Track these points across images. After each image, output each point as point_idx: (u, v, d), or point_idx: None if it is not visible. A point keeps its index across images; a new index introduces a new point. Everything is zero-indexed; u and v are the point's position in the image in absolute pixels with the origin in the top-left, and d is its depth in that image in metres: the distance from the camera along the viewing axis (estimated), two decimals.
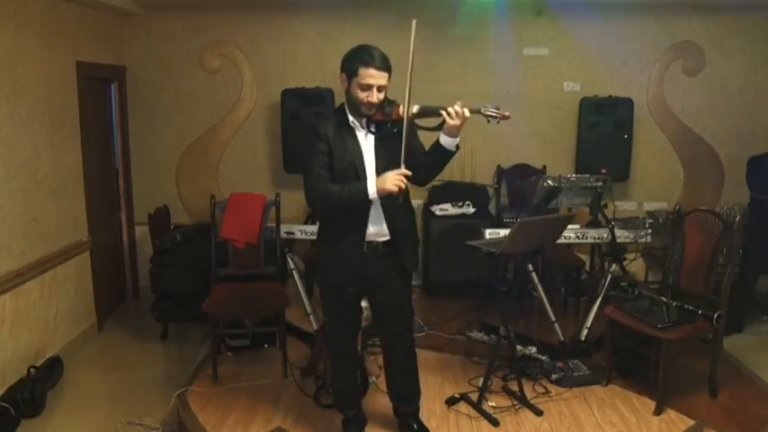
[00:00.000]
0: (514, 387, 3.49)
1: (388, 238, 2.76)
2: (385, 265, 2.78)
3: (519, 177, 5.10)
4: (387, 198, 2.62)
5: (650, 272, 5.43)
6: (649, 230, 4.32)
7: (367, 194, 2.58)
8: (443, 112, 2.54)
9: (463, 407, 3.41)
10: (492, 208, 5.35)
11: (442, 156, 2.65)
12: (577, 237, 4.24)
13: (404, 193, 2.66)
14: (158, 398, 3.71)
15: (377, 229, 2.74)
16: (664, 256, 4.29)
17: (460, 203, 5.12)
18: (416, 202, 5.32)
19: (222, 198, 4.38)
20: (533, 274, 4.03)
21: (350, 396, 3.09)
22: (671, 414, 3.32)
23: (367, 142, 2.71)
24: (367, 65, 2.56)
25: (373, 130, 2.68)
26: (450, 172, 5.15)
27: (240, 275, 4.13)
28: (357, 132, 2.70)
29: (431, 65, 5.25)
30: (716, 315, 3.33)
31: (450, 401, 3.44)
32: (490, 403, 3.40)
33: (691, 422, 3.24)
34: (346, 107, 2.71)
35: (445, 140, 2.60)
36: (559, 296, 4.98)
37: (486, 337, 4.20)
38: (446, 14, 5.18)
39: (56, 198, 4.23)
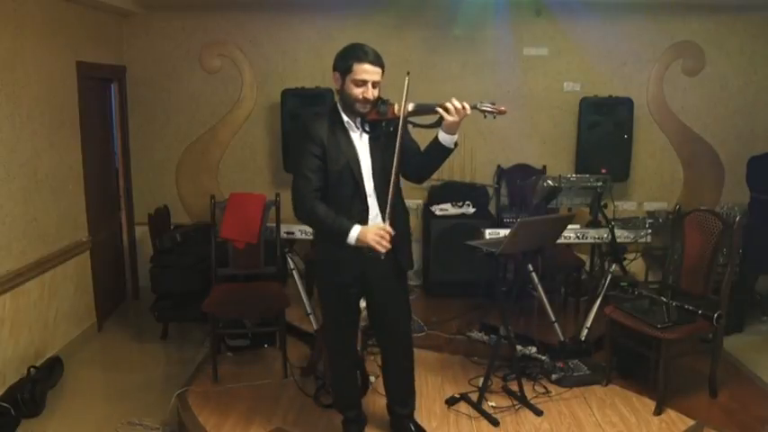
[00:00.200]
0: (514, 387, 3.49)
1: None
2: (383, 264, 2.78)
3: (519, 177, 5.10)
4: (383, 199, 2.62)
5: (650, 272, 5.43)
6: (649, 230, 4.32)
7: (347, 238, 2.55)
8: (440, 109, 2.53)
9: (463, 407, 3.41)
10: (492, 208, 5.35)
11: (440, 153, 2.64)
12: (577, 237, 4.24)
13: (398, 191, 2.66)
14: (158, 398, 3.71)
15: None
16: (664, 256, 4.29)
17: (460, 203, 5.11)
18: (416, 202, 5.34)
19: (222, 198, 4.38)
20: (533, 274, 4.03)
21: (349, 396, 3.09)
22: (671, 414, 3.32)
23: (362, 142, 2.70)
24: (361, 60, 2.56)
25: (368, 129, 2.68)
26: (450, 172, 5.15)
27: (240, 275, 4.13)
28: (351, 132, 2.69)
29: (431, 65, 5.24)
30: (716, 315, 3.33)
31: (451, 401, 3.44)
32: (490, 403, 3.40)
33: (691, 422, 3.24)
34: (340, 107, 2.69)
35: (444, 138, 2.60)
36: (559, 296, 4.98)
37: (486, 337, 4.20)
38: (446, 14, 5.19)
39: (56, 198, 4.23)
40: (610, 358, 3.66)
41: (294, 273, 4.32)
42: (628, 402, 3.47)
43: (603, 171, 4.61)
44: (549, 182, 4.09)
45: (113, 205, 5.37)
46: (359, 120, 2.67)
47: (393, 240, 2.57)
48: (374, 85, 2.59)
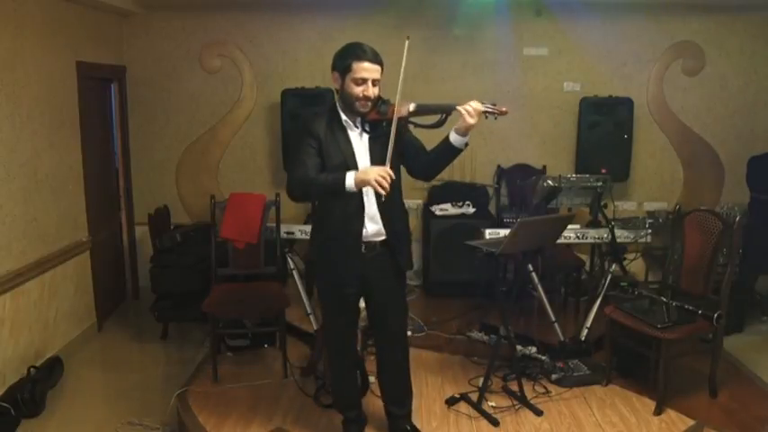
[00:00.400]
0: (514, 387, 3.49)
1: (384, 237, 2.76)
2: (382, 264, 2.79)
3: (519, 177, 5.10)
4: (379, 200, 2.62)
5: (650, 272, 5.43)
6: (649, 230, 4.32)
7: (343, 183, 2.51)
8: (463, 111, 2.50)
9: (463, 407, 3.40)
10: (492, 208, 5.35)
11: (450, 153, 2.63)
12: (577, 237, 4.24)
13: (396, 190, 2.66)
14: (158, 398, 3.71)
15: (375, 229, 2.74)
16: (664, 256, 4.29)
17: (460, 203, 5.12)
18: (416, 202, 5.35)
19: (222, 198, 4.38)
20: (533, 274, 4.03)
21: (349, 396, 3.09)
22: (671, 414, 3.32)
23: (361, 142, 2.71)
24: (360, 59, 2.56)
25: (368, 129, 2.68)
26: (450, 172, 5.16)
27: (240, 275, 4.13)
28: (350, 131, 2.70)
29: (431, 65, 5.25)
30: (716, 315, 3.33)
31: (451, 401, 3.44)
32: (490, 403, 3.40)
33: (691, 422, 3.24)
34: (339, 106, 2.70)
35: (456, 139, 2.58)
36: (559, 296, 4.98)
37: (486, 337, 4.20)
38: (446, 14, 5.19)
39: (56, 198, 4.23)
40: (610, 358, 3.66)
41: (294, 273, 4.32)
42: (628, 402, 3.47)
43: (603, 171, 4.61)
44: (549, 182, 4.09)
45: (113, 205, 5.37)
46: (359, 119, 2.67)
47: (391, 239, 2.56)
48: (374, 83, 2.59)
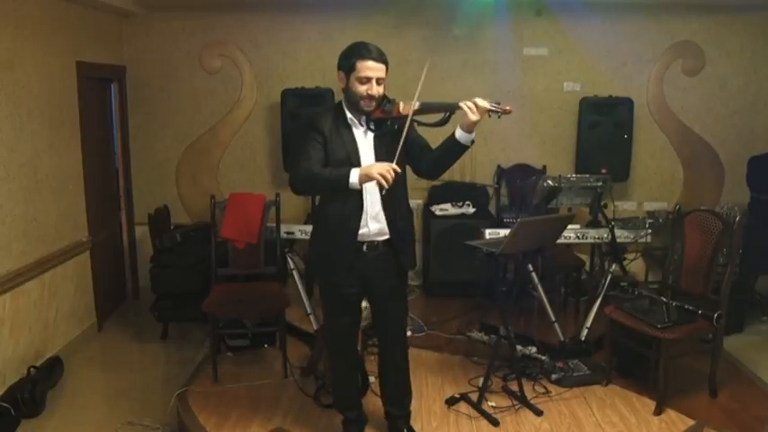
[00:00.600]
0: (514, 387, 3.49)
1: (388, 236, 2.76)
2: (384, 264, 2.78)
3: (519, 177, 5.10)
4: (387, 197, 2.62)
5: (650, 272, 5.43)
6: (649, 230, 4.32)
7: (347, 179, 2.51)
8: (465, 108, 2.50)
9: (463, 407, 3.40)
10: (492, 208, 5.35)
11: (456, 150, 2.63)
12: (577, 237, 4.24)
13: (401, 188, 2.65)
14: (158, 398, 3.71)
15: (378, 228, 2.73)
16: (664, 256, 4.28)
17: (460, 203, 5.12)
18: (416, 202, 5.34)
19: (222, 198, 4.38)
20: (533, 274, 4.03)
21: (350, 396, 3.09)
22: (671, 414, 3.32)
23: (366, 140, 2.71)
24: (364, 58, 2.57)
25: (373, 127, 2.69)
26: (450, 172, 5.09)
27: (240, 275, 4.13)
28: (354, 129, 2.70)
29: (430, 64, 5.23)
30: (716, 315, 3.33)
31: (451, 401, 3.44)
32: (490, 403, 3.40)
33: (691, 422, 3.24)
34: (344, 104, 2.71)
35: (461, 135, 2.58)
36: (559, 296, 4.98)
37: (486, 337, 4.20)
38: (446, 14, 5.19)
39: (56, 198, 4.23)
40: (610, 358, 3.66)
41: (294, 273, 4.31)
42: (628, 402, 3.47)
43: (603, 171, 4.61)
44: (549, 182, 4.09)
45: (113, 205, 5.37)
46: (364, 118, 2.68)
47: (394, 239, 2.54)
48: (378, 81, 2.60)
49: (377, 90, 2.60)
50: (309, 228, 4.46)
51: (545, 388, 3.58)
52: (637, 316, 3.44)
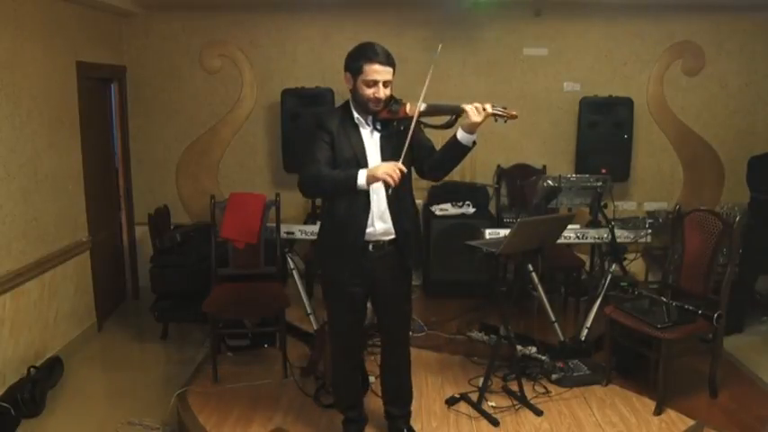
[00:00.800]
0: (514, 387, 3.49)
1: (394, 236, 2.76)
2: (390, 263, 2.78)
3: (519, 177, 5.10)
4: (392, 197, 2.63)
5: (650, 272, 5.43)
6: (649, 230, 4.32)
7: (355, 180, 2.50)
8: (469, 109, 2.51)
9: (463, 407, 3.41)
10: (492, 208, 5.35)
11: (458, 151, 2.63)
12: (577, 237, 4.24)
13: (407, 188, 2.66)
14: (158, 398, 3.71)
15: (384, 228, 2.73)
16: (664, 256, 4.28)
17: (460, 203, 5.12)
18: (417, 201, 5.32)
19: (222, 198, 4.38)
20: (533, 274, 4.03)
21: (351, 396, 3.09)
22: (671, 414, 3.33)
23: (372, 140, 2.71)
24: (371, 61, 2.57)
25: (379, 127, 2.69)
26: (451, 172, 5.15)
27: (240, 275, 4.13)
28: (361, 129, 2.70)
29: (430, 64, 5.23)
30: (716, 315, 3.33)
31: (451, 401, 3.44)
32: (490, 403, 3.40)
33: (691, 422, 3.24)
34: (351, 104, 2.71)
35: (463, 136, 2.58)
36: (559, 296, 4.98)
37: (486, 337, 4.21)
38: (446, 14, 5.18)
39: (56, 198, 4.23)
40: (610, 358, 3.66)
41: (294, 273, 4.32)
42: (628, 402, 3.47)
43: (603, 171, 4.61)
44: (549, 182, 4.09)
45: (113, 205, 5.37)
46: (370, 118, 2.68)
47: (400, 240, 2.54)
48: (385, 84, 2.60)
49: (383, 93, 2.59)
50: (309, 228, 4.49)
51: (545, 388, 3.58)
52: (637, 316, 3.44)
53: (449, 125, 2.63)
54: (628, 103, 5.09)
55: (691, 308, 3.38)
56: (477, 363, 3.87)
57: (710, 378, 3.51)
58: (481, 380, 3.46)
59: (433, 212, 5.10)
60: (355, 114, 2.69)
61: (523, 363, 3.72)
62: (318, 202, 5.20)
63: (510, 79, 5.38)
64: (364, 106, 2.64)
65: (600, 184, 4.15)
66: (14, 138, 3.76)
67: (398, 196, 2.66)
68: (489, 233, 4.12)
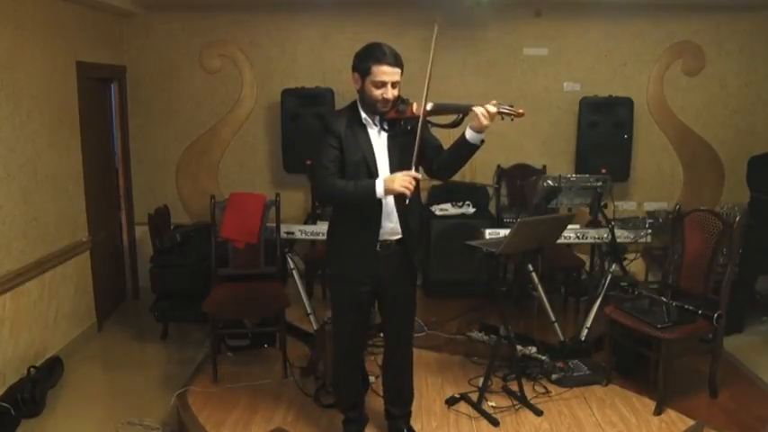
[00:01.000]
0: (514, 387, 3.49)
1: (400, 236, 2.77)
2: (396, 262, 2.78)
3: (519, 177, 5.10)
4: (396, 199, 2.63)
5: (650, 272, 5.43)
6: (649, 230, 4.32)
7: (374, 192, 2.55)
8: (477, 113, 2.51)
9: (463, 407, 3.41)
10: (492, 208, 5.35)
11: (466, 150, 2.64)
12: (577, 237, 4.24)
13: (416, 201, 2.68)
14: (158, 398, 3.71)
15: (391, 228, 2.73)
16: (664, 256, 4.28)
17: (460, 203, 5.12)
18: None
19: (222, 198, 4.38)
20: (533, 274, 4.03)
21: (352, 396, 3.08)
22: (671, 414, 3.33)
23: (380, 140, 2.71)
24: (380, 62, 2.57)
25: (386, 127, 2.69)
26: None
27: (240, 275, 4.13)
28: (369, 129, 2.70)
29: (434, 64, 5.23)
30: (716, 315, 3.33)
31: (451, 401, 3.44)
32: (490, 403, 3.40)
33: (691, 422, 3.24)
34: (359, 105, 2.71)
35: (472, 135, 2.59)
36: (559, 296, 4.98)
37: (486, 337, 4.21)
38: (446, 14, 5.17)
39: (56, 198, 4.23)
40: (610, 358, 3.66)
41: (294, 273, 4.32)
42: (628, 402, 3.47)
43: (603, 171, 4.61)
44: (549, 182, 4.09)
45: (113, 205, 5.37)
46: (377, 118, 2.68)
47: (405, 238, 2.55)
48: (393, 85, 2.60)
49: (391, 94, 2.60)
50: (309, 228, 4.49)
51: (545, 388, 3.58)
52: (637, 316, 3.44)
53: (456, 124, 2.64)
54: (628, 103, 5.09)
55: (691, 308, 3.38)
56: (477, 363, 3.87)
57: (710, 378, 3.51)
58: (481, 380, 3.46)
59: (433, 212, 5.10)
60: (363, 115, 2.69)
61: (523, 363, 3.72)
62: (318, 202, 5.20)
63: (510, 79, 5.38)
64: (372, 107, 2.64)
65: (600, 184, 4.15)
66: (14, 138, 3.76)
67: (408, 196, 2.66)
68: (489, 233, 4.12)
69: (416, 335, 4.28)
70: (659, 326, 3.28)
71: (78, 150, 4.55)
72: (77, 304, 4.53)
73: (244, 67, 5.45)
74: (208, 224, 4.29)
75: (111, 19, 5.18)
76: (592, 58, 5.35)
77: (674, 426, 3.22)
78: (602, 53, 5.34)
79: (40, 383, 3.67)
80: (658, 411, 3.33)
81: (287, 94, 5.08)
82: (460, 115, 2.62)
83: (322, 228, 4.38)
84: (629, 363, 3.70)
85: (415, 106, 2.62)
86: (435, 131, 2.77)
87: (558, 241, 3.81)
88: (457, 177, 5.21)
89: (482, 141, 2.61)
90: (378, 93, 2.58)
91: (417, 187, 2.64)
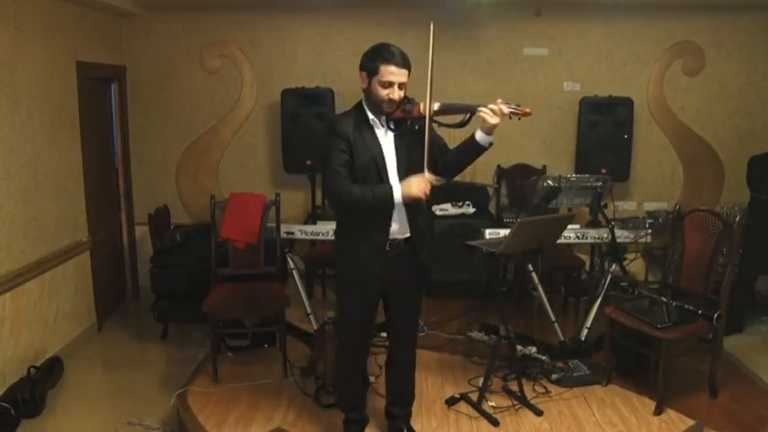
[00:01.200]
0: (514, 387, 3.49)
1: (408, 235, 2.76)
2: (405, 262, 2.78)
3: (519, 177, 5.10)
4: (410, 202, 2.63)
5: (650, 272, 5.43)
6: (649, 230, 4.32)
7: (392, 198, 2.56)
8: (484, 114, 2.53)
9: (463, 407, 3.41)
10: (492, 208, 5.35)
11: (474, 151, 2.65)
12: (577, 237, 4.24)
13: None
14: (158, 398, 3.71)
15: (399, 227, 2.73)
16: (664, 256, 4.28)
17: (460, 203, 5.11)
18: None
19: (222, 198, 4.38)
20: (533, 274, 4.03)
21: (354, 397, 3.08)
22: (671, 414, 3.33)
23: (387, 139, 2.71)
24: (388, 62, 2.57)
25: (393, 127, 2.69)
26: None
27: (240, 275, 4.13)
28: (376, 129, 2.70)
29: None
30: (716, 315, 3.33)
31: (451, 401, 3.44)
32: (490, 403, 3.40)
33: (691, 422, 3.24)
34: (365, 105, 2.70)
35: (482, 137, 2.60)
36: (559, 296, 4.98)
37: (486, 337, 4.20)
38: (446, 14, 5.18)
39: (56, 198, 4.23)
40: (610, 358, 3.66)
41: (294, 273, 4.31)
42: (628, 402, 3.47)
43: (604, 171, 4.61)
44: (549, 182, 4.09)
45: (113, 205, 5.37)
46: (384, 117, 2.68)
47: (414, 237, 2.58)
48: (400, 86, 2.60)
49: (398, 94, 2.60)
50: (309, 228, 4.49)
51: (545, 388, 3.58)
52: (637, 316, 3.44)
53: (462, 124, 2.64)
54: (628, 103, 5.09)
55: (691, 308, 3.38)
56: (477, 363, 3.87)
57: (710, 378, 3.51)
58: (481, 380, 3.46)
59: (433, 212, 5.09)
60: (370, 116, 2.69)
61: (523, 363, 3.72)
62: (319, 202, 5.20)
63: (510, 79, 5.38)
64: (378, 107, 2.64)
65: (600, 184, 4.15)
66: (14, 138, 3.76)
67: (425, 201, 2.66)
68: (489, 233, 4.12)
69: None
70: (659, 326, 3.28)
71: (78, 150, 4.55)
72: (77, 304, 4.53)
73: (244, 67, 5.45)
74: (208, 224, 4.29)
75: (111, 19, 5.18)
76: (592, 58, 5.35)
77: (674, 426, 3.22)
78: (602, 53, 5.34)
79: (40, 383, 3.67)
80: (658, 411, 3.33)
81: (287, 94, 5.08)
82: (468, 115, 2.62)
83: (322, 228, 4.39)
84: (629, 363, 3.70)
85: (421, 106, 2.62)
86: (440, 131, 2.77)
87: (558, 241, 3.81)
88: (457, 177, 5.20)
89: (491, 144, 2.62)
90: (384, 93, 2.59)
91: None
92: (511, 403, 3.41)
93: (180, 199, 5.61)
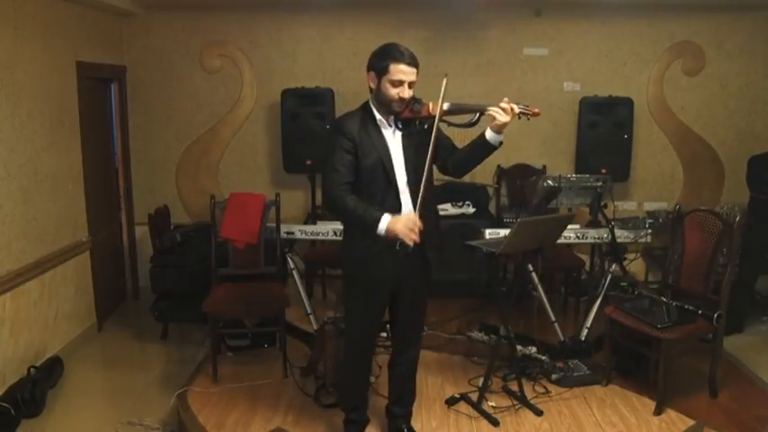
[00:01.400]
0: (514, 387, 3.49)
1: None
2: (413, 262, 2.77)
3: (519, 177, 5.10)
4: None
5: (650, 272, 5.43)
6: (649, 230, 4.32)
7: (377, 228, 2.51)
8: (494, 113, 2.53)
9: (463, 407, 3.41)
10: (492, 208, 5.35)
11: (484, 150, 2.66)
12: (577, 237, 4.24)
13: (430, 186, 2.69)
14: (158, 398, 3.71)
15: None
16: (664, 256, 4.28)
17: (460, 203, 5.11)
18: None
19: (222, 198, 4.38)
20: (533, 274, 4.04)
21: (356, 397, 3.08)
22: (671, 414, 3.33)
23: (395, 140, 2.71)
24: (397, 61, 2.57)
25: (401, 126, 2.69)
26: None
27: (240, 275, 4.13)
28: (383, 129, 2.69)
29: (430, 65, 5.22)
30: (716, 315, 3.33)
31: (451, 401, 3.44)
32: (490, 403, 3.40)
33: (691, 422, 3.24)
34: (372, 105, 2.70)
35: (492, 137, 2.61)
36: (559, 296, 4.98)
37: (486, 337, 4.21)
38: (446, 14, 5.18)
39: (56, 198, 4.23)
40: (610, 358, 3.66)
41: (294, 273, 4.32)
42: (628, 402, 3.47)
43: (604, 171, 4.61)
44: (549, 182, 4.09)
45: (113, 205, 5.37)
46: (392, 117, 2.68)
47: (421, 235, 2.58)
48: (410, 85, 2.60)
49: (408, 93, 2.60)
50: (309, 228, 4.49)
51: (545, 388, 3.58)
52: (637, 316, 3.44)
53: (471, 124, 2.65)
54: (628, 103, 5.09)
55: (691, 308, 3.38)
56: (477, 363, 3.87)
57: (710, 378, 3.51)
58: (481, 380, 3.46)
59: (438, 211, 5.09)
60: (377, 116, 2.69)
61: (523, 363, 3.72)
62: (319, 202, 5.20)
63: (510, 79, 5.38)
64: (387, 106, 2.64)
65: (600, 184, 4.15)
66: (14, 138, 3.76)
67: (425, 196, 2.65)
68: (489, 233, 4.12)
69: None
70: (659, 326, 3.28)
71: (78, 150, 4.55)
72: (77, 304, 4.53)
73: (244, 67, 5.45)
74: (208, 224, 4.29)
75: (111, 19, 5.18)
76: (592, 58, 5.35)
77: (674, 426, 3.22)
78: (602, 53, 5.34)
79: (40, 383, 3.67)
80: (658, 411, 3.33)
81: (287, 94, 5.07)
82: (477, 115, 2.63)
83: (322, 228, 4.39)
84: (629, 363, 3.70)
85: (430, 106, 2.62)
86: (448, 131, 2.77)
87: (558, 241, 3.81)
88: None
89: (500, 143, 2.63)
90: (394, 92, 2.59)
91: (431, 186, 2.66)
92: (511, 403, 3.41)
93: (180, 199, 5.61)
